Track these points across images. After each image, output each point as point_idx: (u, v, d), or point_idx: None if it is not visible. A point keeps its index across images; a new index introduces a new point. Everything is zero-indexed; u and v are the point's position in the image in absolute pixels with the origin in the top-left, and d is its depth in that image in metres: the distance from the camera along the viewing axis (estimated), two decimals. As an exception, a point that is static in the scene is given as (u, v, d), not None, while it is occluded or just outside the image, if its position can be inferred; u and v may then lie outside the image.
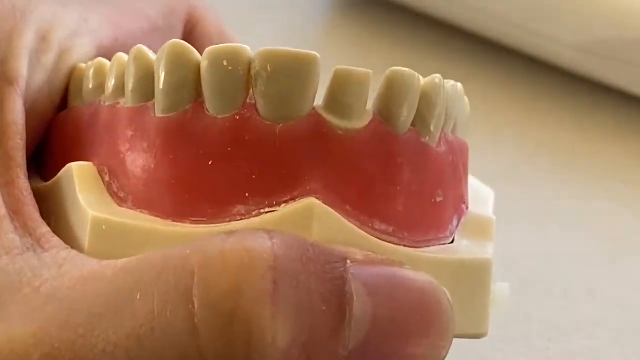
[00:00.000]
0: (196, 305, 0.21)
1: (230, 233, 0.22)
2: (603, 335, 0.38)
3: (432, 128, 0.25)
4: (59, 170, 0.27)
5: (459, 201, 0.27)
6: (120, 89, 0.26)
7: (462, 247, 0.26)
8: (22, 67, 0.27)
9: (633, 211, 0.45)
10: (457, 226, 0.26)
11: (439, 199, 0.25)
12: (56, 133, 0.28)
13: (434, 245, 0.25)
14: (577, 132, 0.49)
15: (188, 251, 0.21)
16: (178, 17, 0.33)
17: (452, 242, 0.26)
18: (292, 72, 0.23)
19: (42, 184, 0.27)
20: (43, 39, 0.28)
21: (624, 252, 0.43)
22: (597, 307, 0.39)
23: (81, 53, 0.29)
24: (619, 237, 0.43)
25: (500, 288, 0.27)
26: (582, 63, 0.49)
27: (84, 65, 0.28)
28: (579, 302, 0.39)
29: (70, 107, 0.28)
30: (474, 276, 0.25)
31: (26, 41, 0.27)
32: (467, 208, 0.27)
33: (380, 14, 0.53)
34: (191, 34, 0.34)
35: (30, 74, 0.27)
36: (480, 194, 0.30)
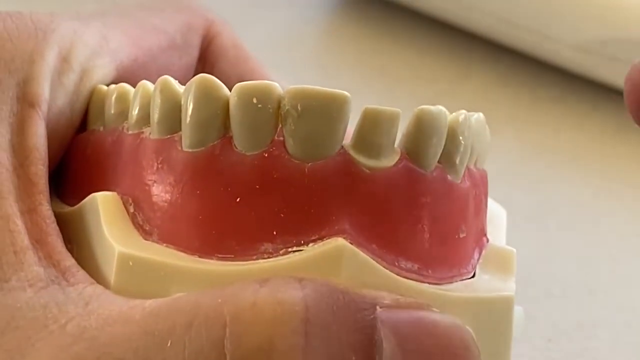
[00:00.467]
0: (228, 359, 0.21)
1: (262, 282, 0.22)
2: (603, 335, 0.38)
3: (457, 165, 0.25)
4: (79, 194, 0.26)
5: (480, 234, 0.27)
6: (144, 119, 0.26)
7: (484, 282, 0.26)
8: (44, 88, 0.26)
9: (633, 211, 0.45)
10: (478, 259, 0.27)
11: (462, 235, 0.25)
12: (76, 155, 0.28)
13: (456, 280, 0.25)
14: (577, 132, 0.49)
15: (220, 300, 0.21)
16: (196, 32, 0.33)
17: (474, 275, 0.26)
18: (322, 111, 0.23)
19: (64, 210, 0.26)
20: (64, 60, 0.27)
21: (624, 252, 0.43)
22: (597, 307, 0.39)
23: (101, 74, 0.29)
24: (619, 237, 0.43)
25: (514, 311, 0.27)
26: (582, 63, 0.49)
27: (104, 87, 0.28)
28: (579, 302, 0.39)
29: (91, 130, 0.28)
30: (497, 314, 0.25)
31: (48, 62, 0.27)
32: (488, 240, 0.28)
33: (380, 14, 0.53)
34: (207, 48, 0.33)
35: (52, 95, 0.27)
36: (494, 216, 0.30)
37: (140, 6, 0.32)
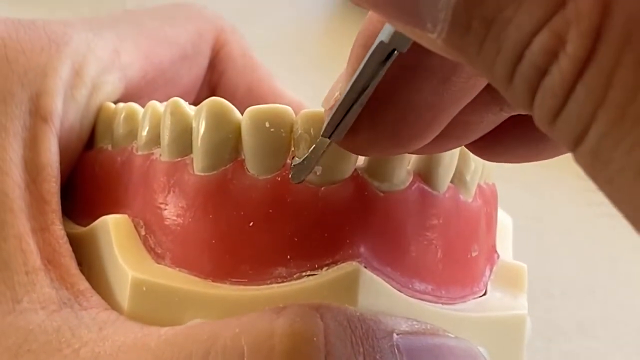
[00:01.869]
0: None
1: (279, 311, 0.21)
2: (603, 335, 0.38)
3: (469, 184, 0.25)
4: (88, 213, 0.26)
5: (492, 251, 0.27)
6: (154, 140, 0.25)
7: (496, 300, 0.26)
8: (57, 103, 0.26)
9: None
10: (489, 276, 0.27)
11: (474, 254, 0.25)
12: (85, 173, 0.28)
13: (469, 299, 0.25)
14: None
15: (237, 330, 0.21)
16: (206, 41, 0.33)
17: (485, 293, 0.26)
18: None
19: (75, 231, 0.26)
20: (77, 74, 0.27)
21: (624, 252, 0.43)
22: (598, 307, 0.39)
23: (110, 89, 0.28)
24: (619, 237, 0.43)
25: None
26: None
27: (111, 105, 0.28)
28: (579, 302, 0.39)
29: (99, 149, 0.28)
30: (510, 332, 0.25)
31: (62, 76, 0.26)
32: (499, 257, 0.28)
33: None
34: (216, 56, 0.33)
35: (64, 110, 0.26)
36: (500, 225, 0.30)
37: (153, 14, 0.32)
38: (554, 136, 0.14)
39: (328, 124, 0.21)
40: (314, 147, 0.22)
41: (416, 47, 0.17)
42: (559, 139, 0.14)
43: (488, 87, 0.20)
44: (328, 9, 0.54)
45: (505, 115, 0.21)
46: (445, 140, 0.21)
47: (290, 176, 0.23)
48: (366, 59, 0.19)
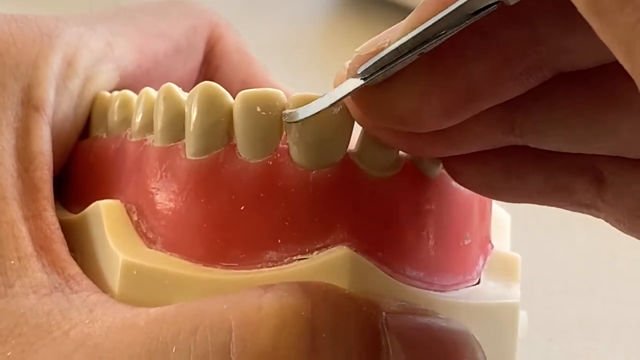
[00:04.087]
0: None
1: (267, 287, 0.22)
2: (603, 335, 0.38)
3: None
4: (82, 201, 0.26)
5: (485, 241, 0.27)
6: (148, 126, 0.26)
7: (489, 289, 0.26)
8: (49, 93, 0.26)
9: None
10: (483, 266, 0.26)
11: (467, 242, 0.25)
12: (79, 162, 0.28)
13: (462, 287, 0.25)
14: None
15: (225, 306, 0.21)
16: (200, 36, 0.33)
17: (479, 282, 0.26)
18: (326, 119, 0.23)
19: (67, 217, 0.26)
20: (69, 65, 0.27)
21: (624, 251, 0.43)
22: (598, 306, 0.39)
23: (104, 80, 0.28)
24: (619, 236, 0.43)
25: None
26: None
27: (107, 93, 0.28)
28: (580, 301, 0.39)
29: (94, 137, 0.28)
30: (502, 320, 0.25)
31: (53, 67, 0.26)
32: (493, 247, 0.27)
33: (380, 14, 0.53)
34: (211, 51, 0.33)
35: (56, 100, 0.27)
36: (498, 220, 0.30)
37: (147, 10, 0.32)
38: None
39: (372, 65, 0.20)
40: (326, 94, 0.21)
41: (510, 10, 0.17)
42: None
43: (512, 105, 0.20)
44: (328, 9, 0.54)
45: (510, 140, 0.21)
46: (440, 142, 0.21)
47: (289, 114, 0.22)
48: (455, 6, 0.18)
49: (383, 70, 0.20)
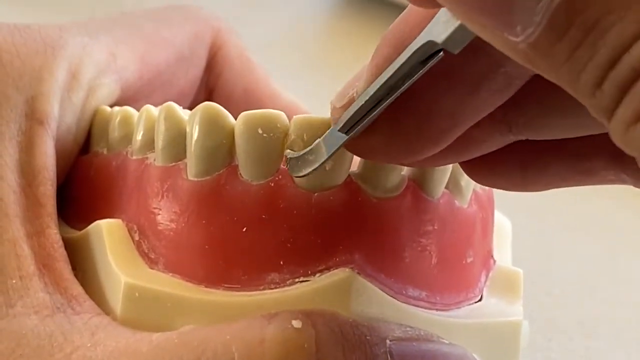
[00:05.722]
0: None
1: (270, 317, 0.21)
2: (603, 335, 0.38)
3: (464, 190, 0.25)
4: (83, 217, 0.26)
5: (487, 257, 0.27)
6: (149, 144, 0.25)
7: (492, 306, 0.26)
8: (53, 106, 0.26)
9: (633, 211, 0.45)
10: (485, 282, 0.26)
11: (469, 260, 0.25)
12: (80, 177, 0.28)
13: (464, 305, 0.25)
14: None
15: (228, 337, 0.21)
16: (202, 43, 0.33)
17: (481, 299, 0.26)
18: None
19: (69, 235, 0.26)
20: (73, 77, 0.27)
21: (624, 251, 0.43)
22: (598, 306, 0.39)
23: (106, 92, 0.28)
24: (619, 237, 0.43)
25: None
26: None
27: (107, 108, 0.28)
28: (579, 301, 0.39)
29: (95, 152, 0.28)
30: (505, 338, 0.25)
31: (57, 79, 0.26)
32: (495, 262, 0.27)
33: (380, 14, 0.53)
34: (213, 58, 0.33)
35: (60, 113, 0.26)
36: (499, 228, 0.30)
37: (149, 16, 0.32)
38: (629, 143, 0.14)
39: (348, 119, 0.20)
40: (318, 143, 0.22)
41: (457, 53, 0.17)
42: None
43: (503, 106, 0.20)
44: (328, 9, 0.54)
45: (511, 138, 0.21)
46: (445, 154, 0.21)
47: (288, 168, 0.23)
48: (405, 57, 0.18)
49: (361, 123, 0.20)
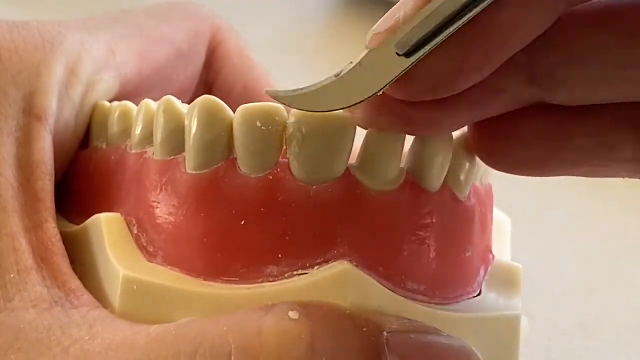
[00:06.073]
0: None
1: (268, 309, 0.22)
2: (603, 335, 0.38)
3: (463, 184, 0.25)
4: (82, 212, 0.26)
5: (486, 251, 0.27)
6: (148, 138, 0.25)
7: (491, 301, 0.26)
8: (51, 101, 0.26)
9: (633, 211, 0.45)
10: (484, 277, 0.26)
11: (468, 254, 0.25)
12: (80, 172, 0.28)
13: (463, 300, 0.25)
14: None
15: (225, 328, 0.21)
16: (202, 40, 0.33)
17: (480, 293, 0.26)
18: (326, 134, 0.23)
19: (68, 230, 0.26)
20: (72, 73, 0.27)
21: (624, 252, 0.43)
22: (597, 307, 0.39)
23: (105, 88, 0.28)
24: (619, 237, 0.43)
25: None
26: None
27: (106, 103, 0.28)
28: (579, 302, 0.39)
29: (94, 147, 0.28)
30: (504, 333, 0.25)
31: (56, 74, 0.26)
32: (494, 257, 0.27)
33: (380, 14, 0.53)
34: (213, 55, 0.33)
35: (59, 108, 0.26)
36: (498, 225, 0.30)
37: (149, 13, 0.32)
38: None
39: (413, 37, 0.19)
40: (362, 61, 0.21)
41: None
42: None
43: (527, 51, 0.20)
44: (327, 9, 0.54)
45: (531, 96, 0.21)
46: (462, 106, 0.21)
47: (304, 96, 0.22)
48: None
49: (430, 44, 0.19)
